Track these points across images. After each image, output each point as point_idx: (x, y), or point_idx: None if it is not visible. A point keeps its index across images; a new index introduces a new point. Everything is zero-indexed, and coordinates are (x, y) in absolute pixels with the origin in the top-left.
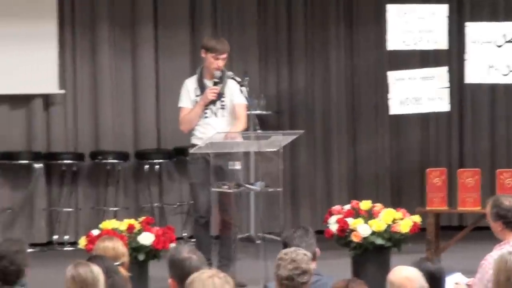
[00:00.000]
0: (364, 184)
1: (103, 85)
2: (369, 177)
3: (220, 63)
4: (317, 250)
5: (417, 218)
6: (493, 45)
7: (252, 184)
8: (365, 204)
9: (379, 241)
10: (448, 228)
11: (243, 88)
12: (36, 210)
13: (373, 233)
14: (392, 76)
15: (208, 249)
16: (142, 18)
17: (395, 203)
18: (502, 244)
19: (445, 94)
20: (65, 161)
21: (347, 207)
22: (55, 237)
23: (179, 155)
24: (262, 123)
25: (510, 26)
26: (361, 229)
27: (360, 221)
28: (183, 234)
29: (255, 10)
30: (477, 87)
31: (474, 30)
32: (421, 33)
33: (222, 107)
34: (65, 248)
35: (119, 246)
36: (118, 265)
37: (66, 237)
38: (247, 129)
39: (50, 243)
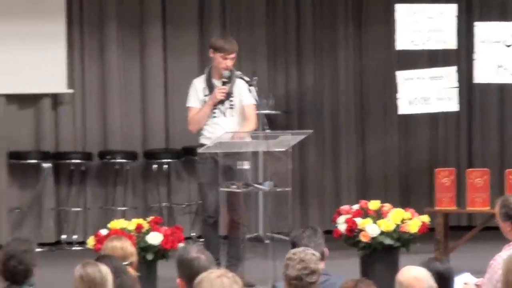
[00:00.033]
0: (372, 184)
1: (111, 85)
2: (377, 177)
3: (229, 62)
4: (326, 250)
5: (425, 218)
6: (502, 45)
7: (260, 184)
8: (373, 204)
9: (387, 241)
10: (457, 228)
11: (252, 88)
12: (44, 209)
13: (382, 233)
14: (401, 76)
15: (216, 249)
16: (151, 18)
17: (403, 203)
18: (511, 244)
19: (454, 94)
20: (74, 161)
21: (356, 207)
22: (64, 236)
23: (188, 154)
24: (270, 123)
25: None
26: (370, 229)
27: (368, 221)
28: (192, 234)
29: (264, 10)
30: (486, 87)
31: (483, 30)
32: (429, 33)
33: (231, 107)
34: (74, 248)
35: (127, 246)
36: (127, 264)
37: (75, 236)
38: (256, 129)
39: (58, 242)
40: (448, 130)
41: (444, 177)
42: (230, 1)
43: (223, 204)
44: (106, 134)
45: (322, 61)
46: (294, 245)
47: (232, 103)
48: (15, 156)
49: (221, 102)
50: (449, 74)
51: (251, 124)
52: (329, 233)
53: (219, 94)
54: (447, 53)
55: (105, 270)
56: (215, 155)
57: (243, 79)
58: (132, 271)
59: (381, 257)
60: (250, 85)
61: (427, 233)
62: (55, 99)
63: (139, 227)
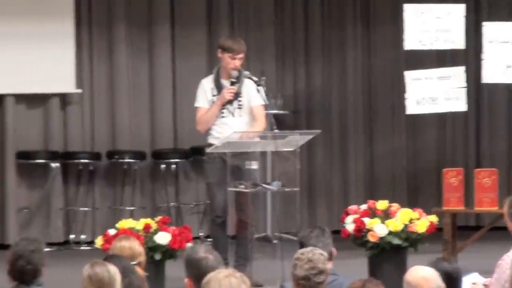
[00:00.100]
0: (380, 184)
1: (120, 85)
2: (385, 177)
3: (237, 63)
4: (334, 250)
5: (433, 218)
6: (511, 45)
7: (269, 184)
8: (381, 204)
9: (395, 241)
10: (465, 228)
11: (260, 88)
12: (53, 209)
13: (390, 233)
14: (409, 76)
15: (224, 249)
16: (159, 18)
17: (411, 203)
18: None
19: (462, 94)
20: (82, 161)
21: (364, 207)
22: (72, 236)
23: (196, 154)
24: (279, 123)
25: None
26: (378, 229)
27: (376, 221)
28: (200, 234)
29: (272, 10)
30: (494, 87)
31: (491, 30)
32: (438, 33)
33: (239, 107)
34: (82, 248)
35: (135, 246)
36: (135, 264)
37: (83, 236)
38: (265, 130)
39: (66, 242)
40: (456, 130)
41: (452, 177)
42: (238, 1)
43: (231, 204)
44: (114, 134)
45: (331, 61)
46: (302, 245)
47: (240, 103)
48: (23, 156)
49: (230, 102)
50: (457, 74)
51: (260, 124)
52: (337, 233)
53: (227, 94)
54: (455, 53)
55: (113, 270)
56: (224, 155)
57: (251, 79)
58: (140, 271)
59: (389, 257)
60: (258, 85)
61: (435, 233)
62: (64, 99)
63: (147, 227)
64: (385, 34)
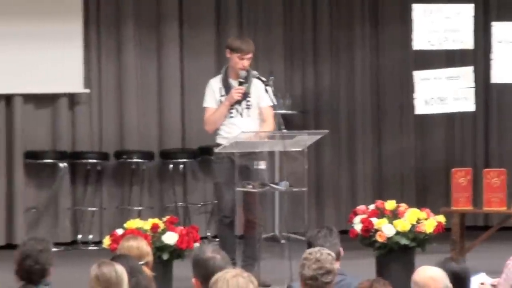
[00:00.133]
0: (389, 184)
1: (128, 84)
2: (394, 177)
3: (245, 63)
4: (341, 250)
5: (441, 218)
6: None
7: (276, 184)
8: (390, 204)
9: (403, 241)
10: (473, 228)
11: (269, 88)
12: (60, 209)
13: (398, 233)
14: (418, 76)
15: (232, 249)
16: (167, 17)
17: (420, 203)
18: None
19: (471, 94)
20: (90, 161)
21: (372, 207)
22: (80, 236)
23: (204, 154)
24: (287, 123)
25: None
26: (386, 229)
27: (384, 221)
28: (207, 234)
29: (281, 10)
30: (503, 87)
31: (500, 29)
32: (446, 33)
33: (248, 107)
34: (90, 248)
35: (143, 246)
36: (142, 264)
37: (91, 236)
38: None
39: (74, 242)
40: (464, 130)
41: (461, 177)
42: (247, 1)
43: (239, 204)
44: (122, 134)
45: (339, 61)
46: (309, 245)
47: (249, 103)
48: (31, 155)
49: (238, 102)
50: (466, 74)
51: (269, 125)
52: (345, 233)
53: (236, 94)
54: (464, 53)
55: (120, 270)
56: (232, 155)
57: (260, 79)
58: (147, 271)
59: (396, 257)
60: (266, 85)
61: (443, 233)
62: (72, 99)
63: (154, 227)
64: (394, 34)
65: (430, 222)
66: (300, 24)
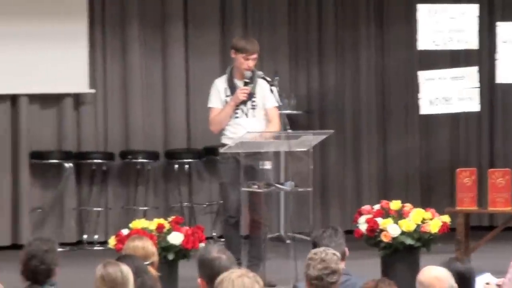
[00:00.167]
0: (394, 184)
1: (133, 85)
2: (399, 177)
3: (250, 63)
4: (346, 250)
5: (446, 218)
6: None
7: (282, 184)
8: (395, 204)
9: (408, 241)
10: (478, 228)
11: (273, 88)
12: (66, 209)
13: (403, 233)
14: (422, 76)
15: (238, 249)
16: (172, 17)
17: (424, 203)
18: None
19: (475, 94)
20: (95, 161)
21: (377, 207)
22: (85, 236)
23: (209, 154)
24: (292, 123)
25: None
26: (391, 229)
27: (389, 221)
28: (213, 234)
29: (286, 9)
30: (508, 87)
31: (505, 30)
32: (451, 33)
33: (253, 107)
34: (95, 248)
35: (148, 246)
36: (148, 264)
37: (96, 236)
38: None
39: (80, 242)
40: (469, 130)
41: (466, 177)
42: (251, 1)
43: (244, 204)
44: (127, 134)
45: (344, 61)
46: (315, 245)
47: (254, 103)
48: (37, 156)
49: (243, 102)
50: (471, 74)
51: (275, 126)
52: (350, 233)
53: (241, 94)
54: (468, 53)
55: (126, 270)
56: (237, 155)
57: (265, 79)
58: (153, 271)
59: (402, 257)
60: (271, 85)
61: (448, 233)
62: (77, 99)
63: (160, 227)
64: (399, 34)
65: (435, 222)
66: (305, 24)
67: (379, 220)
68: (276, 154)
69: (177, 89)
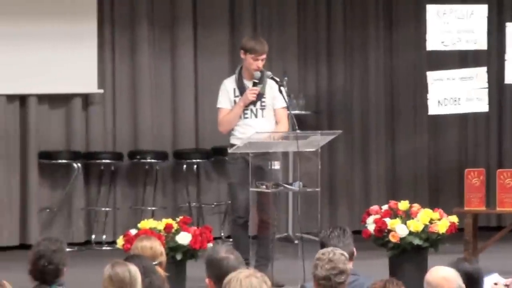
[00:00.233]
0: (402, 184)
1: (142, 85)
2: (407, 177)
3: (260, 63)
4: (354, 250)
5: (454, 219)
6: None
7: (290, 184)
8: (403, 205)
9: (416, 242)
10: (486, 228)
11: (282, 88)
12: (74, 209)
13: (411, 233)
14: (431, 77)
15: (246, 249)
16: (181, 18)
17: (433, 203)
18: None
19: (484, 95)
20: (104, 161)
21: (385, 207)
22: (93, 236)
23: (217, 155)
24: (300, 123)
25: None
26: (399, 229)
27: (397, 221)
28: (221, 234)
29: (295, 9)
30: None
31: None
32: (460, 34)
33: (262, 108)
34: (103, 248)
35: (156, 246)
36: (156, 264)
37: (104, 236)
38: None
39: (88, 242)
40: (478, 131)
41: (474, 178)
42: (261, 1)
43: (253, 204)
44: (136, 134)
45: (353, 61)
46: (323, 245)
47: (263, 103)
48: (45, 156)
49: (253, 103)
50: (479, 75)
51: (284, 127)
52: (358, 233)
53: (250, 95)
54: (477, 54)
55: (134, 270)
56: (246, 155)
57: (274, 79)
58: (161, 271)
59: (410, 257)
60: (280, 86)
61: (456, 233)
62: (86, 99)
63: (168, 227)
64: (408, 35)
65: (443, 223)
66: (314, 24)
67: (387, 220)
68: (285, 154)
69: (185, 89)
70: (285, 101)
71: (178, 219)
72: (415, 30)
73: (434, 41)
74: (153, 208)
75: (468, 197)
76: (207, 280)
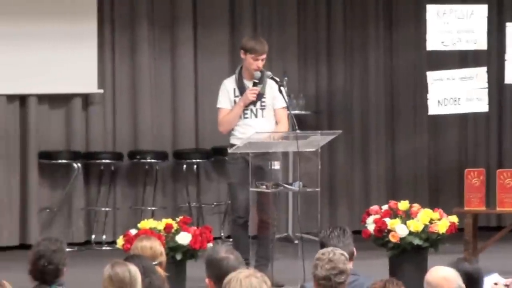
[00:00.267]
0: (402, 184)
1: (142, 85)
2: (407, 177)
3: (260, 63)
4: (354, 250)
5: (454, 218)
6: None
7: (290, 184)
8: (403, 205)
9: (416, 242)
10: (486, 228)
11: (282, 88)
12: (74, 209)
13: (411, 233)
14: (431, 77)
15: (246, 249)
16: (181, 18)
17: (433, 203)
18: None
19: (484, 95)
20: (104, 161)
21: (385, 207)
22: (93, 236)
23: (217, 155)
24: (300, 123)
25: None
26: (399, 229)
27: (397, 221)
28: (221, 234)
29: (295, 10)
30: None
31: None
32: (460, 34)
33: (262, 108)
34: (103, 248)
35: (156, 246)
36: (156, 264)
37: (104, 236)
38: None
39: (88, 242)
40: (478, 131)
41: (474, 178)
42: (261, 1)
43: (253, 204)
44: (136, 134)
45: (353, 61)
46: (323, 245)
47: (264, 103)
48: (45, 156)
49: (253, 102)
50: (479, 75)
51: (283, 127)
52: (358, 233)
53: (250, 95)
54: (477, 54)
55: (134, 270)
56: (246, 155)
57: (274, 79)
58: (161, 271)
59: (409, 257)
60: (280, 86)
61: (456, 233)
62: (86, 99)
63: (168, 227)
64: (408, 35)
65: (443, 223)
66: (314, 24)
67: (387, 220)
68: (285, 154)
69: (185, 89)
70: (285, 101)
71: (178, 219)
72: (415, 30)
73: (434, 41)
74: (153, 208)
75: (468, 197)
76: (207, 280)
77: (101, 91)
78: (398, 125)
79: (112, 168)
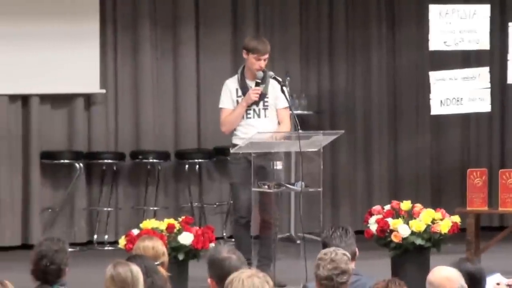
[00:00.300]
0: (404, 184)
1: (144, 85)
2: (409, 177)
3: (262, 63)
4: (356, 250)
5: (456, 219)
6: None
7: (292, 184)
8: (405, 205)
9: (418, 242)
10: (488, 228)
11: (284, 88)
12: (76, 209)
13: (413, 233)
14: (433, 77)
15: (248, 249)
16: (184, 18)
17: (435, 203)
18: None
19: (486, 95)
20: (106, 161)
21: (387, 207)
22: (95, 236)
23: (219, 155)
24: (302, 123)
25: None
26: (401, 230)
27: (399, 221)
28: (223, 234)
29: (297, 10)
30: None
31: None
32: (462, 34)
33: (265, 108)
34: (105, 248)
35: (158, 246)
36: (158, 264)
37: (106, 236)
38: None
39: (90, 242)
40: (480, 131)
41: (476, 178)
42: (263, 1)
43: (255, 204)
44: (138, 134)
45: (355, 61)
46: (325, 245)
47: (266, 103)
48: (47, 156)
49: (255, 102)
50: (482, 75)
51: (285, 127)
52: (360, 233)
53: (253, 95)
54: (480, 54)
55: (136, 270)
56: (248, 155)
57: (276, 79)
58: (163, 271)
59: (412, 257)
60: (282, 86)
61: (458, 233)
62: (88, 99)
63: (170, 227)
64: (410, 35)
65: (445, 223)
66: (316, 24)
67: (390, 220)
68: (287, 154)
69: (188, 89)
70: (287, 101)
71: (180, 219)
72: (417, 30)
73: (437, 41)
74: (155, 208)
75: (470, 197)
76: (209, 280)
77: (103, 91)
78: (400, 125)
79: (114, 168)
